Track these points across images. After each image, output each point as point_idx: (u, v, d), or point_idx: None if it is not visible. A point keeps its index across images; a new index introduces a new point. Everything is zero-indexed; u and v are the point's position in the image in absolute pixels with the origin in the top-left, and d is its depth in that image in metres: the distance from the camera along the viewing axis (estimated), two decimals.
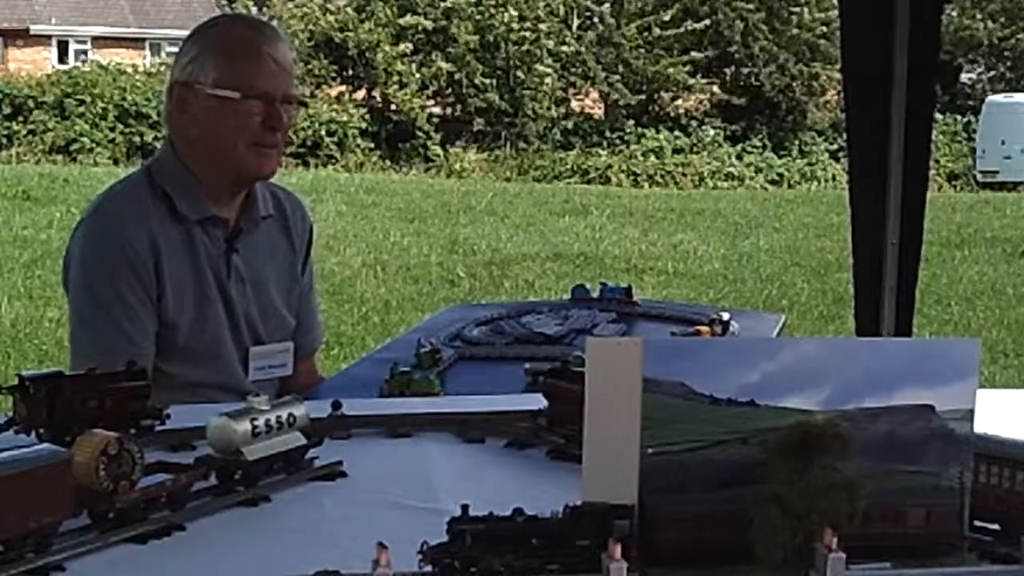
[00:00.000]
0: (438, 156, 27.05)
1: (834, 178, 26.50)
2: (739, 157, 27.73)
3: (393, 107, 27.46)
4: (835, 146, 27.31)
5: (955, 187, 27.65)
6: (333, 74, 27.84)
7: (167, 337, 3.08)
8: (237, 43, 3.18)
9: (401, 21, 27.68)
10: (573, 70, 29.37)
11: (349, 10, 28.04)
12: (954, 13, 29.55)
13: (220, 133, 3.11)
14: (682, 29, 28.70)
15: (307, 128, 25.60)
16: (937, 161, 27.02)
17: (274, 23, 22.18)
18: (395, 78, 27.39)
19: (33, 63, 33.67)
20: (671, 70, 28.71)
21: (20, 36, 36.32)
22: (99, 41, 36.36)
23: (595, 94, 30.11)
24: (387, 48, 27.43)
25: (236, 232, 3.20)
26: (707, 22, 28.75)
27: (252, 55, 3.13)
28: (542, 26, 28.26)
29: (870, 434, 1.69)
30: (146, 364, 2.99)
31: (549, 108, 28.25)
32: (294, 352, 3.30)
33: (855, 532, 1.63)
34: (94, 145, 24.84)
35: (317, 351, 3.59)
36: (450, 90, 28.71)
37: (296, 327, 3.36)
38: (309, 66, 27.33)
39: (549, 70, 28.33)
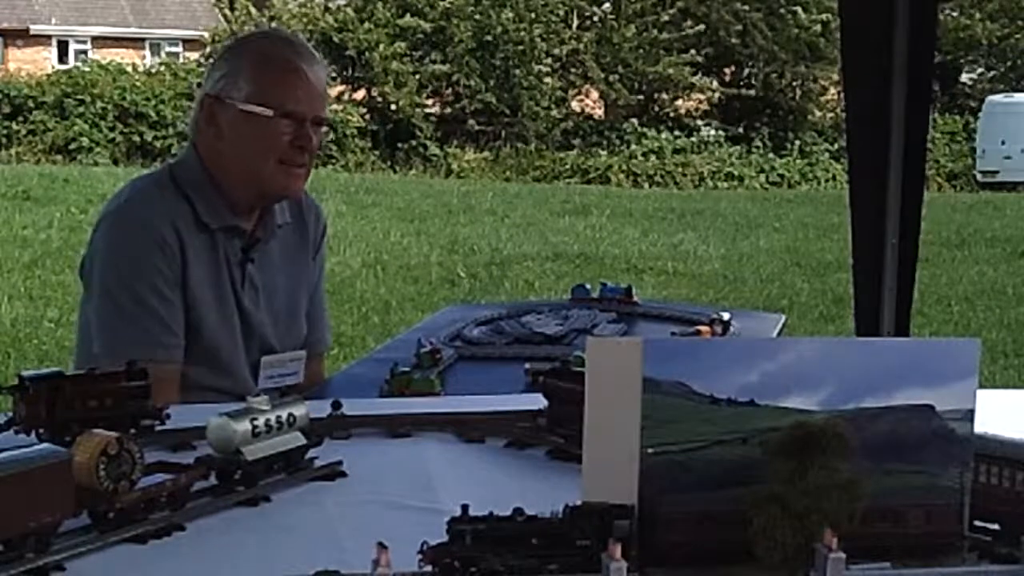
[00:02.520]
0: (437, 156, 27.06)
1: (834, 178, 26.51)
2: (739, 157, 27.73)
3: (392, 107, 27.46)
4: (835, 146, 27.31)
5: (955, 187, 27.64)
6: (333, 74, 27.82)
7: (187, 338, 3.07)
8: (272, 61, 3.15)
9: (400, 22, 27.69)
10: (573, 70, 29.37)
11: (349, 10, 28.05)
12: (954, 13, 29.52)
13: (248, 149, 3.09)
14: (682, 32, 28.69)
15: None
16: (937, 161, 27.05)
17: (274, 23, 22.07)
18: (394, 78, 27.39)
19: (33, 63, 33.65)
20: (671, 70, 28.70)
21: (20, 36, 36.32)
22: (99, 41, 36.36)
23: (595, 94, 30.11)
24: (386, 48, 27.43)
25: (253, 242, 3.19)
26: (703, 26, 28.73)
27: (287, 74, 3.10)
28: (540, 26, 28.25)
29: (870, 434, 1.69)
30: (181, 356, 3.00)
31: (548, 108, 28.24)
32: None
33: (855, 532, 1.63)
34: (94, 145, 24.85)
35: (325, 353, 3.57)
36: (449, 90, 28.72)
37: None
38: None
39: (548, 70, 28.33)
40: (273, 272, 3.23)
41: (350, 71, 28.11)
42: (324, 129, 3.22)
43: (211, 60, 3.20)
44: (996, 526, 1.78)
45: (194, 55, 31.67)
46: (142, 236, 3.04)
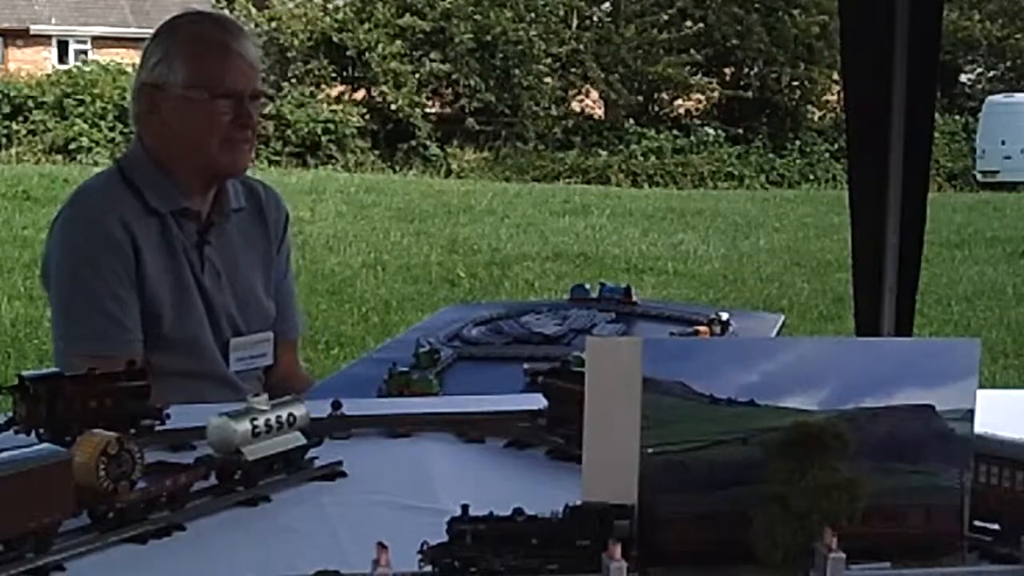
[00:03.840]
0: (436, 156, 27.06)
1: (834, 178, 26.50)
2: (739, 157, 27.72)
3: (392, 107, 27.46)
4: (835, 146, 27.30)
5: (955, 187, 27.64)
6: (332, 74, 27.83)
7: (150, 327, 3.09)
8: (204, 42, 3.20)
9: (400, 22, 27.69)
10: (572, 70, 29.38)
11: (348, 10, 28.05)
12: (953, 14, 29.52)
13: (191, 132, 3.13)
14: (681, 32, 28.70)
15: (306, 128, 25.62)
16: (937, 161, 27.00)
17: (274, 24, 22.00)
18: (393, 78, 27.38)
19: (33, 63, 33.62)
20: (670, 70, 28.71)
21: (20, 36, 36.28)
22: (99, 41, 36.32)
23: (595, 94, 30.11)
24: (385, 48, 27.43)
25: (208, 225, 3.22)
26: (702, 26, 28.75)
27: (220, 53, 3.15)
28: (540, 26, 28.25)
29: (870, 434, 1.69)
30: (138, 350, 3.02)
31: (548, 108, 28.26)
32: (273, 341, 3.31)
33: (855, 532, 1.63)
34: (94, 145, 24.83)
35: (297, 341, 3.59)
36: (449, 90, 28.72)
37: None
38: (309, 66, 27.35)
39: (547, 70, 28.33)
40: (233, 254, 3.26)
41: (350, 71, 28.11)
42: (262, 100, 3.26)
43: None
44: (996, 526, 1.78)
45: None
46: (91, 236, 3.08)
